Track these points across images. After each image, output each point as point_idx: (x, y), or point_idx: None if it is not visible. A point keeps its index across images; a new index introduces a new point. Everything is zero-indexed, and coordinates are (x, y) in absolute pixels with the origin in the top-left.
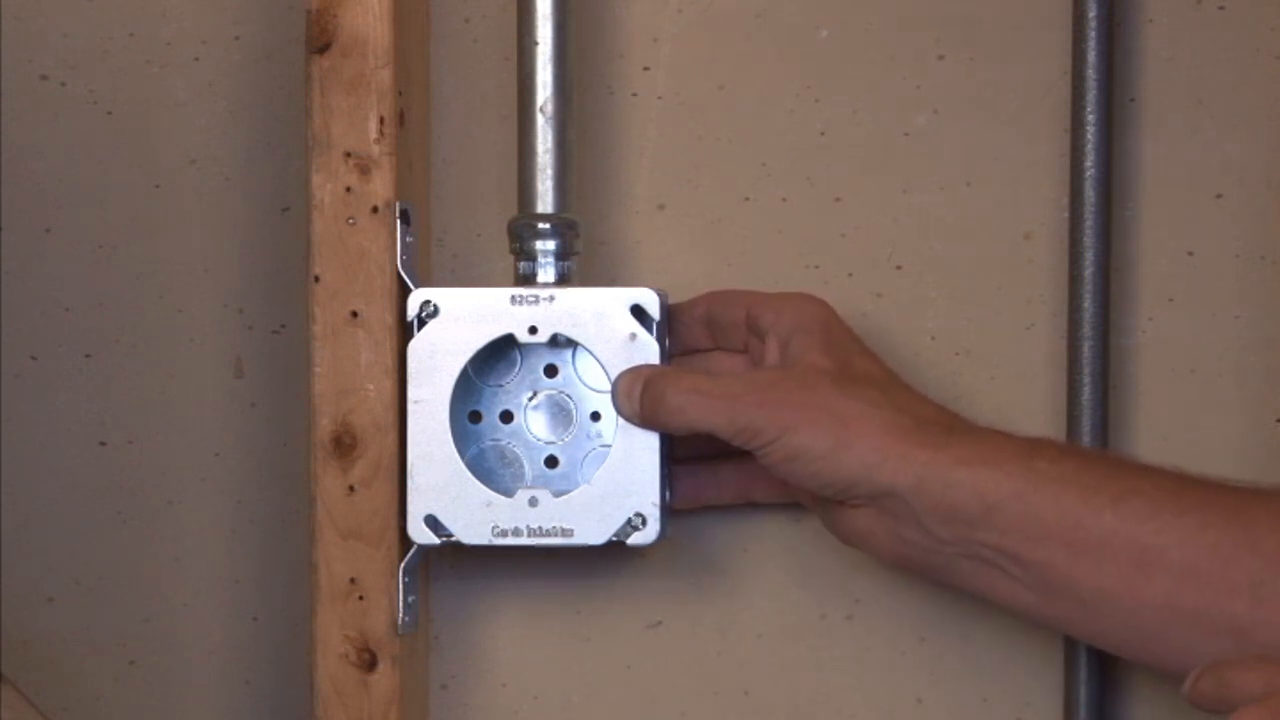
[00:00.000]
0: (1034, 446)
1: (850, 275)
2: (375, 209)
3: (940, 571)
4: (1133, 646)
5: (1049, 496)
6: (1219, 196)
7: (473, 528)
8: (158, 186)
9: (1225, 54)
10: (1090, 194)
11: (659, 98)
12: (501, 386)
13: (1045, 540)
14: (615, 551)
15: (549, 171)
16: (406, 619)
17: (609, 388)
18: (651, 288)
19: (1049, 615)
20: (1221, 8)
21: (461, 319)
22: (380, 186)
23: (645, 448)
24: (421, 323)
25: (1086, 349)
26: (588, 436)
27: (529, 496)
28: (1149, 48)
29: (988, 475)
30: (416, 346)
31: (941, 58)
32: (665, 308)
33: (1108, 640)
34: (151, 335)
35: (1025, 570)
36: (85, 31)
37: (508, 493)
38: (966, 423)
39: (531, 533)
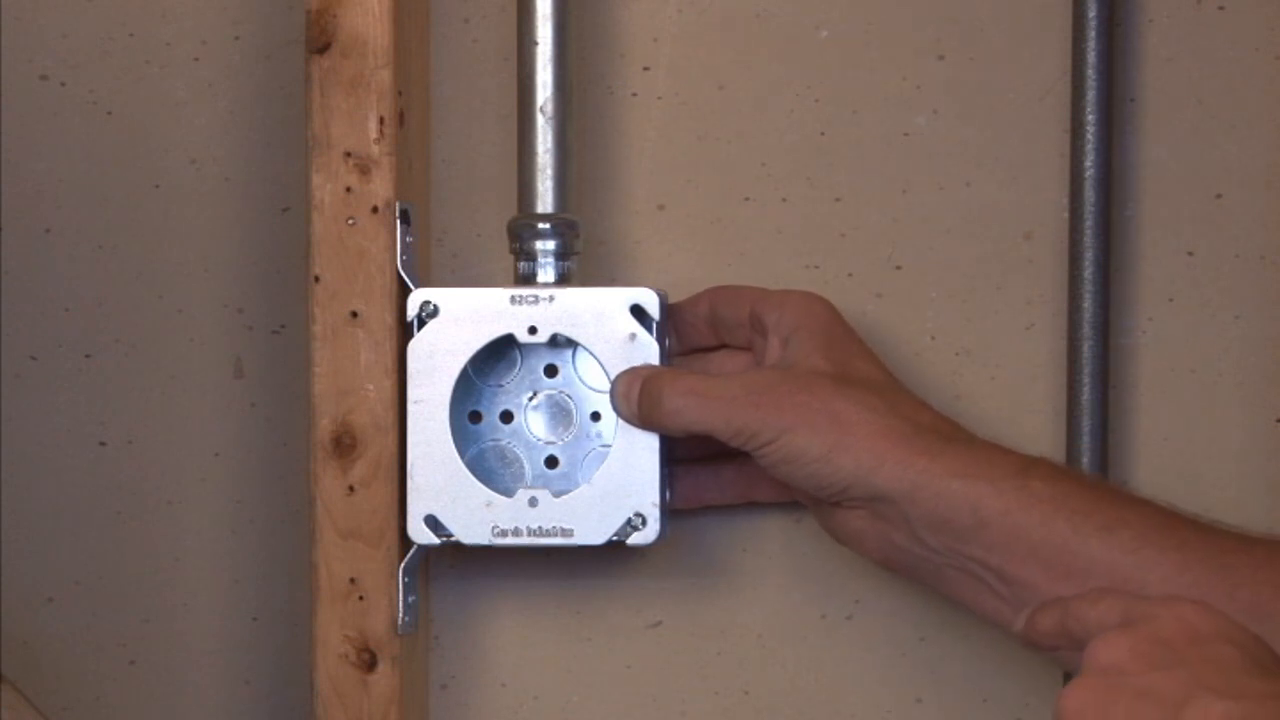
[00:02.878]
0: (1029, 465)
1: (850, 275)
2: (375, 209)
3: (927, 577)
4: None
5: (1039, 517)
6: (1219, 196)
7: (473, 528)
8: (158, 186)
9: (1225, 54)
10: (1090, 194)
11: (659, 98)
12: (501, 386)
13: (1031, 560)
14: (615, 551)
15: (549, 171)
16: (406, 619)
17: (609, 388)
18: (651, 287)
19: None
20: (1221, 8)
21: (461, 319)
22: (380, 186)
23: (645, 448)
24: (421, 323)
25: (1086, 349)
26: (588, 436)
27: (529, 496)
28: (1149, 48)
29: (981, 489)
30: (416, 346)
31: (941, 58)
32: (665, 308)
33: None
34: (151, 335)
35: (1008, 587)
36: (85, 31)
37: (508, 493)
38: (965, 432)
39: (531, 533)
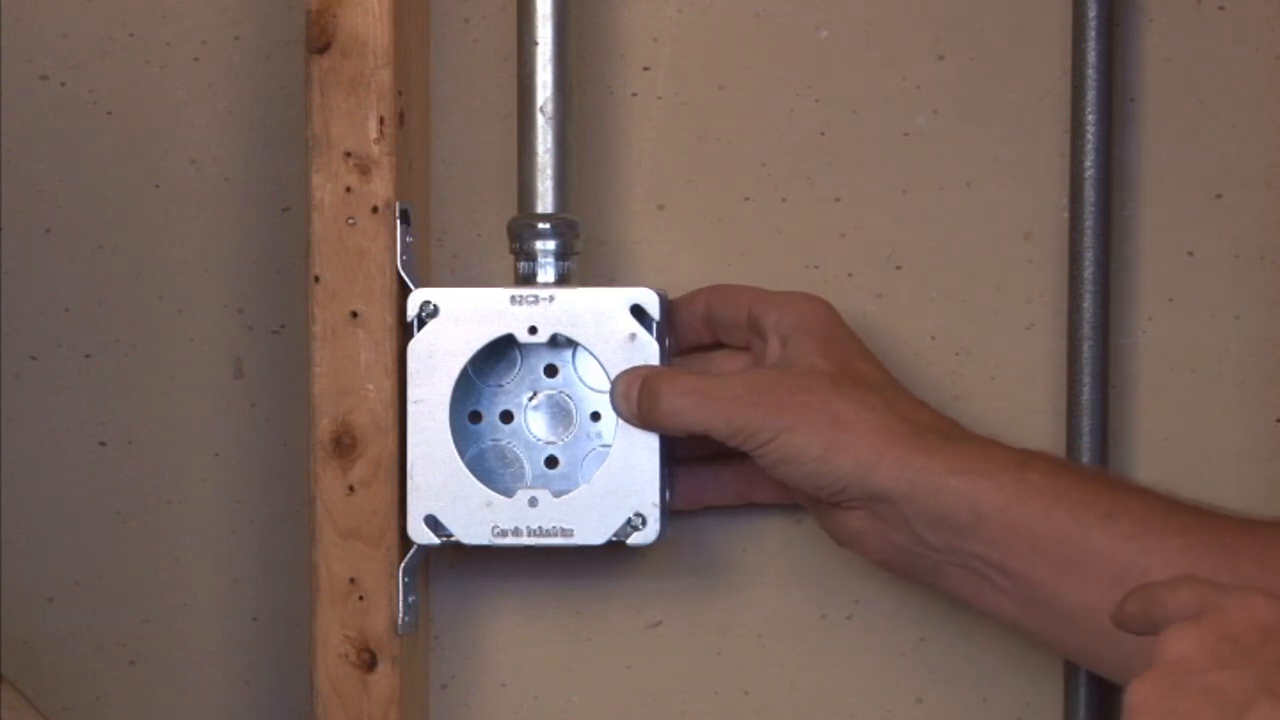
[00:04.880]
0: (1028, 459)
1: (850, 275)
2: (375, 209)
3: (928, 576)
4: (1112, 664)
5: (1039, 509)
6: (1219, 196)
7: (473, 528)
8: (158, 186)
9: (1225, 54)
10: (1090, 194)
11: (659, 98)
12: (501, 386)
13: (1032, 553)
14: (615, 551)
15: (549, 171)
16: (406, 619)
17: (609, 388)
18: (651, 288)
19: (1032, 628)
20: (1221, 8)
21: (461, 319)
22: (380, 186)
23: (645, 448)
24: (421, 323)
25: (1086, 349)
26: (588, 436)
27: (529, 496)
28: (1149, 48)
29: (979, 485)
30: (416, 346)
31: (941, 58)
32: (665, 308)
33: (1087, 657)
34: (151, 335)
35: (1011, 582)
36: (85, 31)
37: (508, 493)
38: (963, 429)
39: (531, 533)
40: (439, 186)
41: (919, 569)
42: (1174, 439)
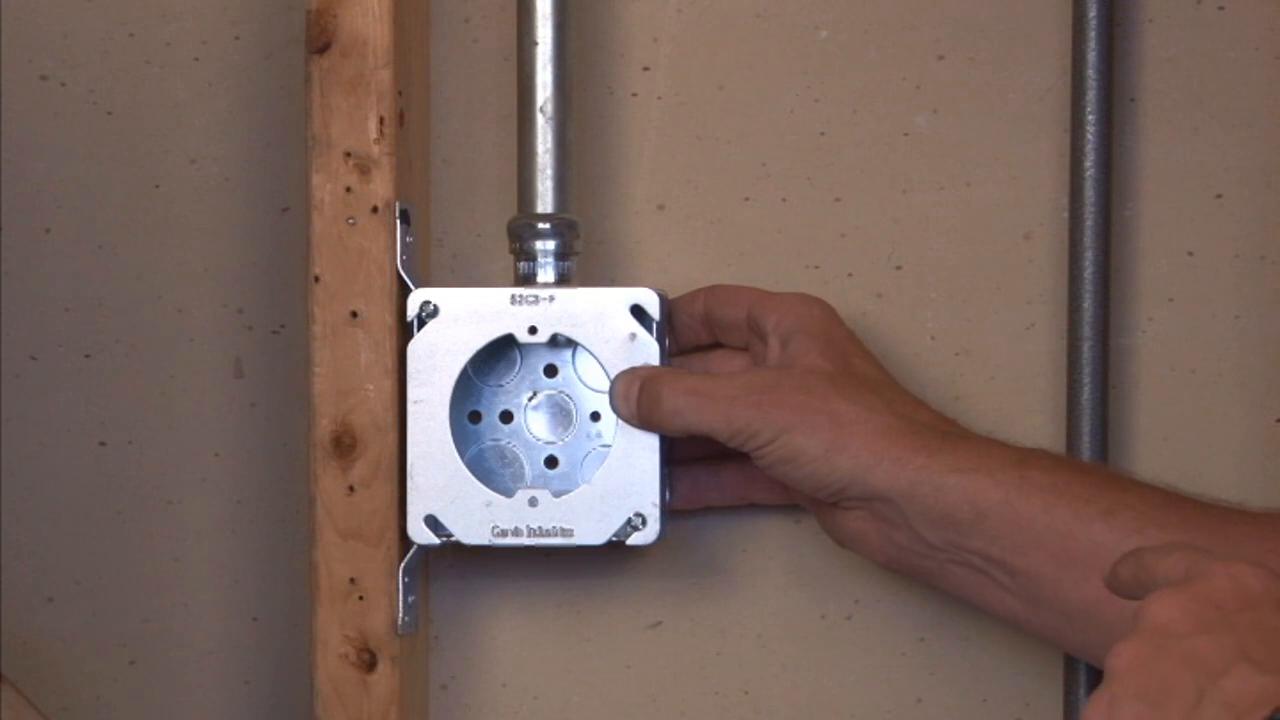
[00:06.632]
0: (1027, 456)
1: (850, 275)
2: (375, 209)
3: (930, 576)
4: None
5: (1040, 506)
6: (1219, 196)
7: (473, 528)
8: (158, 186)
9: (1225, 54)
10: (1090, 194)
11: (659, 98)
12: (501, 386)
13: (1034, 549)
14: (615, 551)
15: (549, 171)
16: (406, 619)
17: (608, 388)
18: (651, 288)
19: (1035, 625)
20: (1221, 7)
21: (461, 319)
22: (380, 186)
23: (645, 448)
24: (421, 323)
25: (1086, 349)
26: (588, 436)
27: (529, 496)
28: (1149, 48)
29: (980, 482)
30: (416, 346)
31: (941, 58)
32: (665, 308)
33: (1091, 652)
34: (151, 335)
35: (1013, 579)
36: (85, 31)
37: (508, 493)
38: (961, 429)
39: (531, 533)
40: (439, 186)
41: (921, 569)
42: (1174, 439)
